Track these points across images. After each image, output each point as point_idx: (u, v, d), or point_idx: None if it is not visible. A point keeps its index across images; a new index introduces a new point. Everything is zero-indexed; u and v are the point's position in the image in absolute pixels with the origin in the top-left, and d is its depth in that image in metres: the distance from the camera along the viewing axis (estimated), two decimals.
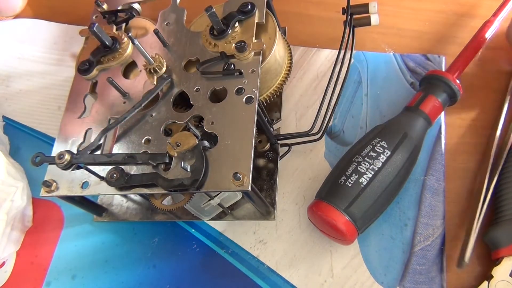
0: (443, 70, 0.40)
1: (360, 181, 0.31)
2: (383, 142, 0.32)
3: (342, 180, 0.31)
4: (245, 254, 0.35)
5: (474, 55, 0.37)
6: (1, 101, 0.45)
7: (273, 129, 0.38)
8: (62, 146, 0.32)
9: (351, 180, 0.31)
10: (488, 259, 0.32)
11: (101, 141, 0.30)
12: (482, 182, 0.34)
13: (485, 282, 0.30)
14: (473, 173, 0.36)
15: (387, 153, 0.32)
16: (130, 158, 0.28)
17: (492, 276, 0.30)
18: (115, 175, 0.28)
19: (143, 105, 0.30)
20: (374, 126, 0.35)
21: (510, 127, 0.36)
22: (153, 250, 0.36)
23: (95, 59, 0.34)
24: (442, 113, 0.38)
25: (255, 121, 0.28)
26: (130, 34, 0.29)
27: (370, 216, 0.31)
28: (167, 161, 0.28)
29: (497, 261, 0.31)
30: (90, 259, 0.36)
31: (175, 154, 0.28)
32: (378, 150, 0.32)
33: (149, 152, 0.29)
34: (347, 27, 0.38)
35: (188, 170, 0.27)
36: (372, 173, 0.31)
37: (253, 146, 0.27)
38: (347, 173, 0.31)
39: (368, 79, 0.41)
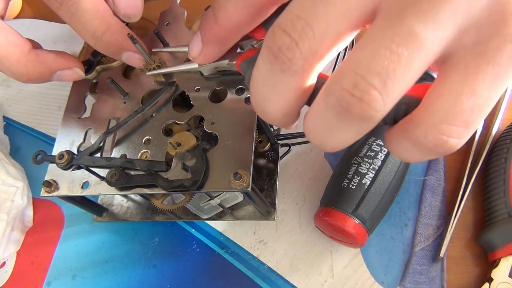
0: None
1: (363, 182, 0.31)
2: (379, 140, 0.32)
3: (345, 183, 0.31)
4: (245, 254, 0.35)
5: None
6: (1, 101, 0.45)
7: (273, 129, 0.38)
8: (62, 146, 0.31)
9: (354, 183, 0.31)
10: (487, 259, 0.32)
11: (101, 144, 0.30)
12: (461, 180, 0.34)
13: (486, 284, 0.30)
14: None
15: (384, 151, 0.32)
16: (128, 163, 0.28)
17: (492, 279, 0.30)
18: (115, 175, 0.28)
19: (145, 110, 0.30)
20: None
21: (491, 127, 0.36)
22: (153, 250, 0.36)
23: (95, 59, 0.34)
24: None
25: (256, 121, 0.28)
26: (130, 34, 0.29)
27: (377, 215, 0.31)
28: (165, 170, 0.28)
29: (494, 263, 0.31)
30: (90, 259, 0.36)
31: (175, 154, 0.28)
32: (375, 149, 0.32)
33: (149, 152, 0.29)
34: None
35: (189, 171, 0.27)
36: (374, 172, 0.31)
37: (253, 146, 0.27)
38: (348, 176, 0.31)
39: None
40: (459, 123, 0.17)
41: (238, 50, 0.26)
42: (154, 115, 0.31)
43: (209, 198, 0.31)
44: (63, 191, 0.30)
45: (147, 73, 0.31)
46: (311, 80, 0.19)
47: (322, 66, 0.18)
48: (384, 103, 0.16)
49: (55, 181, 0.30)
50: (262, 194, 0.34)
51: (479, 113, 0.17)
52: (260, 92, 0.20)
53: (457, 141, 0.17)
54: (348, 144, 0.19)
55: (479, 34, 0.16)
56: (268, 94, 0.19)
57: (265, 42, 0.18)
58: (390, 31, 0.16)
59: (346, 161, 0.33)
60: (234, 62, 0.26)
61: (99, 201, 0.37)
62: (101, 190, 0.29)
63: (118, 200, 0.37)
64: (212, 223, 0.36)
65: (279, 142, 0.37)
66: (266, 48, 0.18)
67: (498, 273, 0.30)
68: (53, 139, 0.32)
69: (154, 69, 0.31)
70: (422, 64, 0.16)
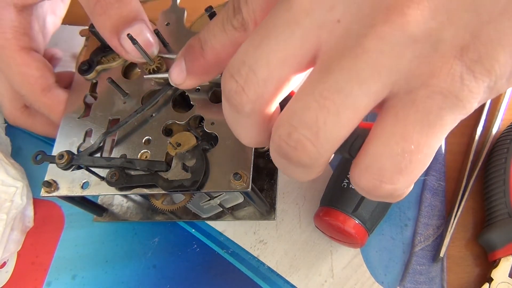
0: None
1: None
2: None
3: (345, 183, 0.31)
4: (245, 254, 0.35)
5: None
6: None
7: None
8: (62, 146, 0.32)
9: None
10: (487, 259, 0.32)
11: (101, 144, 0.30)
12: (461, 180, 0.34)
13: (486, 284, 0.30)
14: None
15: None
16: (128, 163, 0.28)
17: (492, 279, 0.30)
18: (115, 176, 0.28)
19: (145, 109, 0.30)
20: None
21: (491, 127, 0.36)
22: (153, 250, 0.36)
23: (95, 59, 0.34)
24: None
25: None
26: (130, 35, 0.29)
27: (377, 215, 0.31)
28: (165, 169, 0.28)
29: (494, 263, 0.31)
30: (90, 259, 0.36)
31: (175, 154, 0.28)
32: None
33: (149, 152, 0.29)
34: None
35: (189, 171, 0.27)
36: None
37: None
38: (348, 176, 0.31)
39: None
40: (390, 167, 0.17)
41: None
42: (154, 115, 0.31)
43: (209, 198, 0.31)
44: (63, 191, 0.30)
45: (144, 77, 0.31)
46: (269, 116, 0.19)
47: (275, 104, 0.19)
48: (318, 151, 0.17)
49: (55, 181, 0.30)
50: (262, 194, 0.34)
51: (412, 160, 0.17)
52: (230, 125, 0.21)
53: (393, 187, 0.17)
54: (308, 179, 0.20)
55: (409, 84, 0.16)
56: (235, 128, 0.20)
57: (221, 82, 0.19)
58: (320, 85, 0.16)
59: (346, 161, 0.33)
60: None
61: (99, 201, 0.37)
62: (101, 190, 0.29)
63: (118, 200, 0.37)
64: (212, 223, 0.36)
65: None
66: (222, 89, 0.19)
67: (498, 273, 0.30)
68: (54, 140, 0.32)
69: (154, 69, 0.31)
70: (353, 115, 0.17)
